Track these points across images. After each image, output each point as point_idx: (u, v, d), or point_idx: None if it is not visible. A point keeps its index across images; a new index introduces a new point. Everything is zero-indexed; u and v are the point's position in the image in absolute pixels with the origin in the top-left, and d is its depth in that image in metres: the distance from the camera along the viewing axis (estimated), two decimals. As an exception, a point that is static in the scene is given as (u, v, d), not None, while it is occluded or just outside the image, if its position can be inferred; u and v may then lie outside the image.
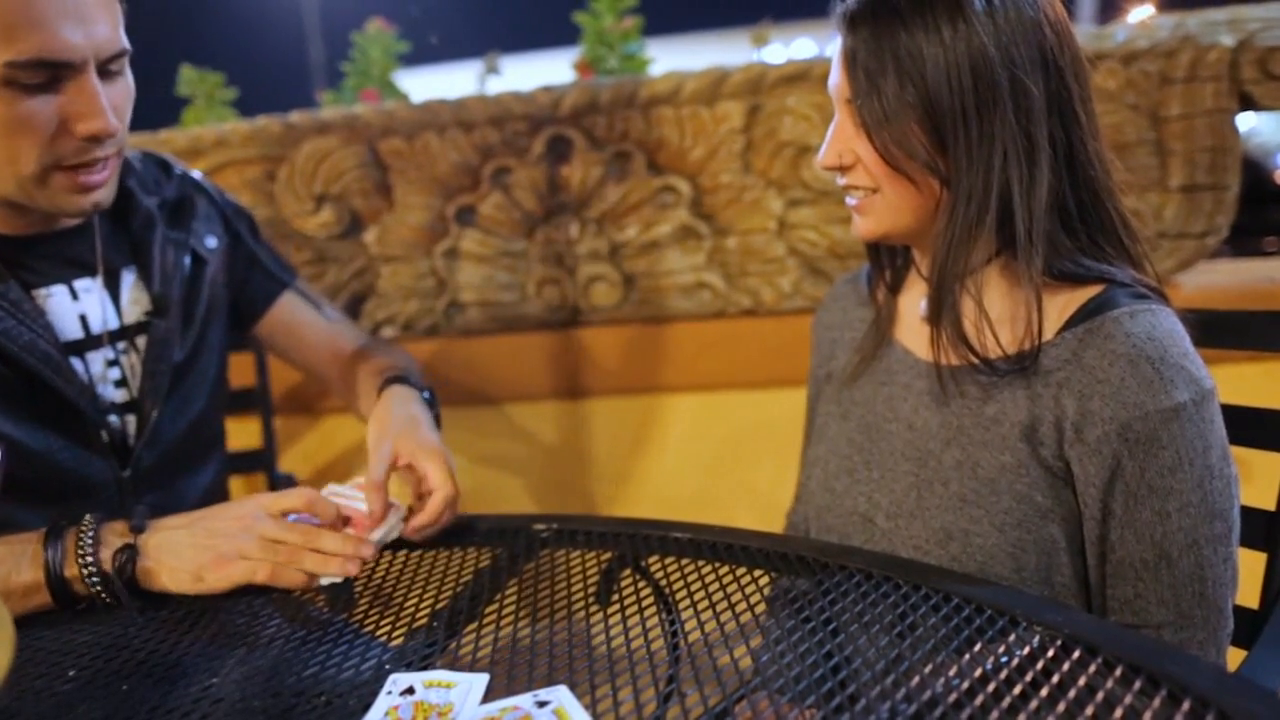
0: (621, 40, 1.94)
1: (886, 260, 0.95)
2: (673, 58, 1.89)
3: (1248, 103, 1.45)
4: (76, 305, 0.92)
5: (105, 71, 0.81)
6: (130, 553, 0.74)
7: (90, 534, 0.74)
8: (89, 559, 0.73)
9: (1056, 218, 0.78)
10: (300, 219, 1.70)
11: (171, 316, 0.98)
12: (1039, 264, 0.76)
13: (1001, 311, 0.80)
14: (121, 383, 0.95)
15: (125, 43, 0.83)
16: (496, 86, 1.84)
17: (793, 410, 1.10)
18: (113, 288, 0.96)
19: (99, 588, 0.73)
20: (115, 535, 0.76)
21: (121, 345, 0.96)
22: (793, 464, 1.07)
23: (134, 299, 0.98)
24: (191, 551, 0.74)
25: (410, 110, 1.64)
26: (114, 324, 0.95)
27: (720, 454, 1.71)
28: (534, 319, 1.71)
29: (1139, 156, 1.49)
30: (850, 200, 0.84)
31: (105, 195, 0.87)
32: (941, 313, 0.80)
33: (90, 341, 0.93)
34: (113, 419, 0.93)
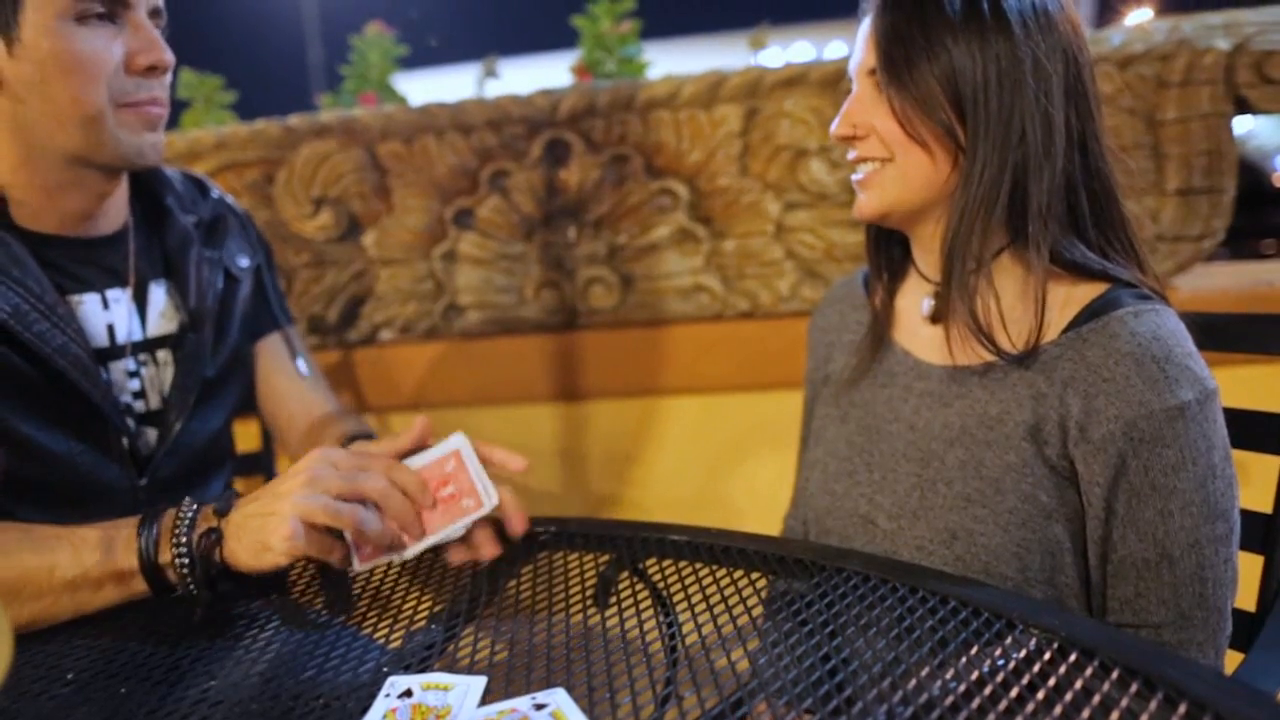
0: (619, 44, 1.95)
1: (884, 262, 0.95)
2: (670, 61, 1.90)
3: (1243, 106, 1.45)
4: (106, 314, 0.94)
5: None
6: (215, 535, 0.72)
7: (187, 519, 0.73)
8: (183, 542, 0.72)
9: (1067, 205, 0.79)
10: (299, 222, 1.70)
11: (205, 331, 1.00)
12: (1047, 248, 0.77)
13: (1012, 303, 0.81)
14: (139, 394, 0.96)
15: (163, 4, 0.90)
16: (495, 90, 1.84)
17: (790, 412, 1.10)
18: (140, 300, 0.97)
19: (187, 573, 0.71)
20: (204, 520, 0.74)
21: (143, 357, 0.97)
22: (791, 466, 1.07)
23: (161, 312, 0.99)
24: (257, 521, 0.71)
25: (409, 113, 1.65)
26: (138, 335, 0.96)
27: (718, 456, 1.71)
28: (532, 321, 1.71)
29: (1135, 160, 1.49)
30: (857, 175, 0.85)
31: (160, 141, 0.90)
32: (950, 293, 0.80)
33: (114, 351, 0.94)
34: (132, 427, 0.94)
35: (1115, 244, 0.81)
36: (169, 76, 0.90)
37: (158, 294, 0.99)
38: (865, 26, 0.83)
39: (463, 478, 0.80)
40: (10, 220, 0.88)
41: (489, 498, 0.79)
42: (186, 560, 0.71)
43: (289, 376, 1.14)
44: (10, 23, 0.80)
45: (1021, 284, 0.81)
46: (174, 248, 1.01)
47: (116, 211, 0.96)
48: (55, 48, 0.81)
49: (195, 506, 0.74)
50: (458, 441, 0.82)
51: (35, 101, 0.83)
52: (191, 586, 0.72)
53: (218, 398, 1.04)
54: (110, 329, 0.94)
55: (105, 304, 0.94)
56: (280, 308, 1.16)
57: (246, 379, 1.12)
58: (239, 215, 1.12)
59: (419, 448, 0.84)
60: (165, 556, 0.72)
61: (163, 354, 0.98)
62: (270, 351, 1.14)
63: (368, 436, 1.06)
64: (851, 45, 0.86)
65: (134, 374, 0.95)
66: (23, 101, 0.83)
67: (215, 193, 1.11)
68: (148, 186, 1.01)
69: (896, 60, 0.78)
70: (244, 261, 1.08)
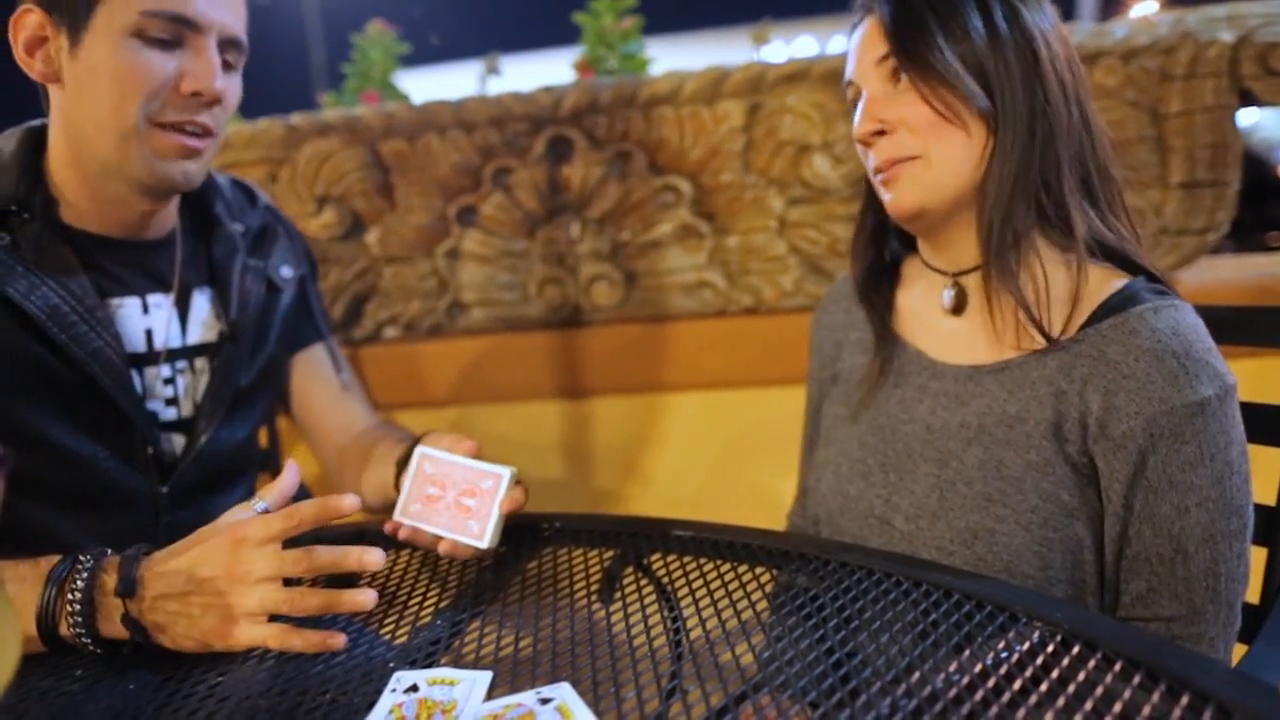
0: (621, 40, 1.95)
1: (881, 264, 0.94)
2: (673, 57, 1.90)
3: (1248, 99, 1.45)
4: (145, 319, 0.93)
5: (223, 62, 0.87)
6: (126, 623, 0.66)
7: (81, 593, 0.66)
8: (80, 623, 0.66)
9: (1080, 178, 0.80)
10: (302, 220, 1.70)
11: (243, 341, 0.99)
12: (1078, 210, 0.79)
13: (1053, 282, 0.80)
14: (172, 401, 0.95)
15: (244, 41, 0.88)
16: (497, 87, 1.85)
17: (795, 408, 1.10)
18: (182, 306, 0.97)
19: (93, 649, 0.67)
20: (108, 598, 0.67)
21: (180, 364, 0.96)
22: (795, 462, 1.07)
23: (203, 320, 0.98)
24: (189, 620, 0.66)
25: (411, 111, 1.65)
26: (176, 342, 0.96)
27: (722, 452, 1.71)
28: (536, 319, 1.71)
29: (1139, 153, 1.48)
30: (884, 175, 0.82)
31: (196, 170, 0.89)
32: (992, 274, 0.80)
33: (150, 357, 0.93)
34: (160, 435, 0.94)
35: (1123, 222, 0.82)
36: (221, 110, 0.88)
37: (200, 302, 0.98)
38: (860, 31, 0.83)
39: (485, 504, 0.78)
40: (58, 219, 0.88)
41: (488, 539, 0.77)
42: (89, 639, 0.66)
43: (329, 388, 1.14)
44: (79, 27, 0.82)
45: (1055, 262, 0.80)
46: (220, 256, 1.00)
47: (165, 217, 0.96)
48: (111, 57, 0.82)
49: (89, 570, 0.67)
50: (506, 471, 0.78)
51: (81, 103, 0.84)
52: (98, 651, 0.67)
53: (248, 408, 1.03)
54: (149, 334, 0.93)
55: (145, 309, 0.93)
56: (323, 318, 1.15)
57: (278, 390, 1.11)
58: (286, 225, 1.11)
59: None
60: (65, 631, 0.67)
61: (200, 362, 0.97)
62: (311, 362, 1.13)
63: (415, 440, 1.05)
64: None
65: (169, 380, 0.95)
66: (73, 99, 0.85)
67: (264, 201, 1.10)
68: (197, 194, 1.01)
69: (916, 43, 0.78)
70: (288, 272, 1.08)
